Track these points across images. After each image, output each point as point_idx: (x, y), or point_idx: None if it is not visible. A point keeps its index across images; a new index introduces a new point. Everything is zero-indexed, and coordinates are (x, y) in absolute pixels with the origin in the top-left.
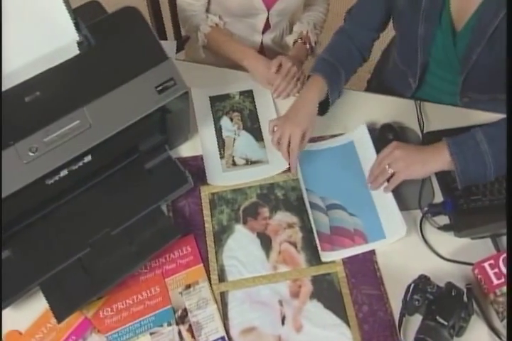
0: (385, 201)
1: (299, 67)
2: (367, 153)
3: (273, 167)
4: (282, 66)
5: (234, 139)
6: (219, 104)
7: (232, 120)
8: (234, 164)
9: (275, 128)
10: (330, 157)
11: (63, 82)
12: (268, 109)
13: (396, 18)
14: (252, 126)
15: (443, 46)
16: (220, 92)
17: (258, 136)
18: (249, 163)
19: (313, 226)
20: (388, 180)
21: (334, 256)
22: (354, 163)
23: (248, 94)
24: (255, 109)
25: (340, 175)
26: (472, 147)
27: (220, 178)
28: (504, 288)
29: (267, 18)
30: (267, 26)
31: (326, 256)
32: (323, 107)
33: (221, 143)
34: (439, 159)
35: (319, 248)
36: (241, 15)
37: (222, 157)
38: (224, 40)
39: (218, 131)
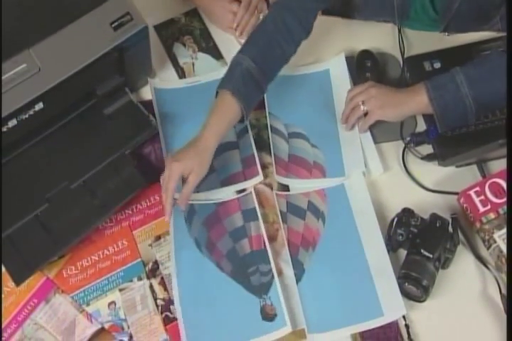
0: (351, 137)
1: None
2: (341, 83)
3: None
4: None
5: (193, 64)
6: (166, 32)
7: (184, 45)
8: None
9: None
10: (302, 84)
11: (3, 21)
12: None
13: None
14: (208, 46)
15: None
16: (163, 19)
17: (217, 55)
18: None
19: (271, 149)
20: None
21: (288, 182)
22: (326, 93)
23: (194, 13)
24: (205, 26)
25: (309, 104)
26: (452, 91)
27: None
28: (490, 215)
29: None
30: None
31: (280, 180)
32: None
33: (181, 72)
34: (417, 103)
35: (274, 171)
36: None
37: None
38: None
39: (174, 60)
